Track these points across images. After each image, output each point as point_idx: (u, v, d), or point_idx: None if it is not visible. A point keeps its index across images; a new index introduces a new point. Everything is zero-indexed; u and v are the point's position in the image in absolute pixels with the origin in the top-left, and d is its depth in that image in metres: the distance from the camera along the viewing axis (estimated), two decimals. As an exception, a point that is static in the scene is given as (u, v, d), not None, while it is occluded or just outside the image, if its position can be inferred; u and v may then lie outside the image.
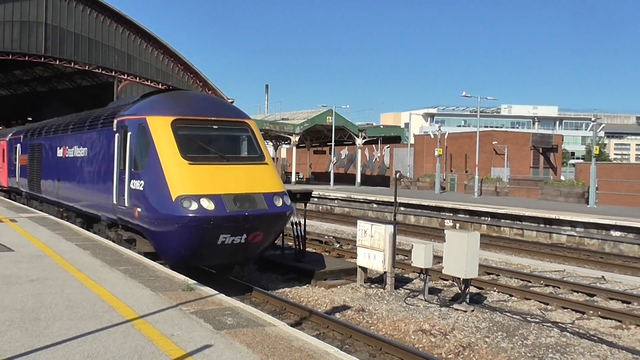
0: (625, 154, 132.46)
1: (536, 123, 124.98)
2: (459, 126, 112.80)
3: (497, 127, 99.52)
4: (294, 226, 15.83)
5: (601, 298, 13.84)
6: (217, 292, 9.16)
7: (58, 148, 19.06)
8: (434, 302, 12.66)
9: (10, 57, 44.81)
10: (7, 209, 20.90)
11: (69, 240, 13.72)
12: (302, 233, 16.04)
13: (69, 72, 53.72)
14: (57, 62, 47.45)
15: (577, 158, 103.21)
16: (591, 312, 12.41)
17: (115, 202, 13.45)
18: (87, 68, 48.67)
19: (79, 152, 16.73)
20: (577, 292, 14.41)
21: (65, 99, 58.88)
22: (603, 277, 16.21)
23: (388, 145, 63.88)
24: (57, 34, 46.65)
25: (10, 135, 28.47)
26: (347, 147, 67.75)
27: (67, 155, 17.99)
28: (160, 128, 12.20)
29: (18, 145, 25.68)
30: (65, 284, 9.10)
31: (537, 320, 11.76)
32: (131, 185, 12.62)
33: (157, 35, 51.72)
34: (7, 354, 5.97)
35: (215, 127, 12.81)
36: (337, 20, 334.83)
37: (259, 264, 15.95)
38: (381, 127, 74.00)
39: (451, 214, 30.28)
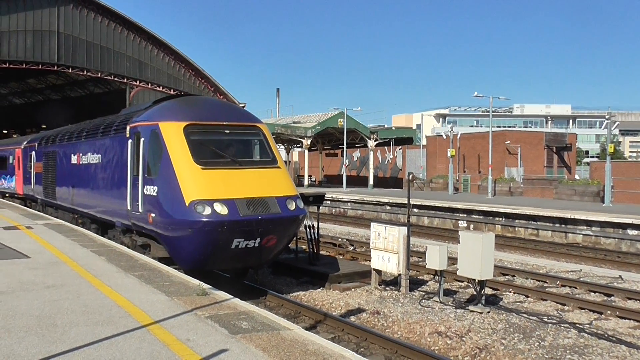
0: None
1: (549, 122, 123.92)
2: (471, 126, 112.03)
3: (509, 126, 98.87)
4: (308, 229, 15.82)
5: (619, 298, 13.68)
6: (231, 296, 9.18)
7: (72, 155, 19.22)
8: (450, 304, 12.58)
9: (24, 66, 45.35)
10: (23, 216, 21.10)
11: (84, 246, 13.81)
12: (316, 236, 16.03)
13: (82, 79, 54.24)
14: (70, 70, 47.91)
15: (592, 156, 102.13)
16: (609, 312, 12.27)
17: (129, 207, 13.53)
18: (99, 75, 49.08)
19: (93, 158, 16.86)
20: (594, 292, 14.26)
21: (79, 106, 59.46)
22: (620, 276, 16.05)
23: (400, 147, 63.73)
24: (70, 42, 47.12)
25: (25, 143, 28.77)
26: (359, 149, 67.73)
27: (81, 162, 18.13)
28: (173, 133, 12.27)
29: (33, 153, 25.93)
30: (81, 290, 9.16)
31: (554, 321, 11.64)
32: (145, 191, 12.69)
33: (167, 41, 52.00)
34: (25, 360, 6.01)
35: (227, 131, 12.86)
36: (347, 22, 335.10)
37: (273, 267, 15.95)
38: (393, 128, 73.87)
39: (465, 215, 30.13)
